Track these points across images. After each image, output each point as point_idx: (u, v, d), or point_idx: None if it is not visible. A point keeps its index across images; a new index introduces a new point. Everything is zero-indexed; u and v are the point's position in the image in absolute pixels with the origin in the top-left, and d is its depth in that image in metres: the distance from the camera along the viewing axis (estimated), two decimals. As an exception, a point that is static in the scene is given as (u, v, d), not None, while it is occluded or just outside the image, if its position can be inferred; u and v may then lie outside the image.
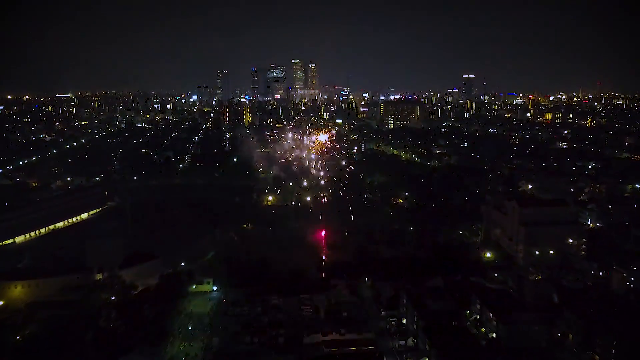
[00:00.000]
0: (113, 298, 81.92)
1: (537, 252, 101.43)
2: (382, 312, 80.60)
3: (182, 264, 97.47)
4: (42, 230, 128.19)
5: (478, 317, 75.59)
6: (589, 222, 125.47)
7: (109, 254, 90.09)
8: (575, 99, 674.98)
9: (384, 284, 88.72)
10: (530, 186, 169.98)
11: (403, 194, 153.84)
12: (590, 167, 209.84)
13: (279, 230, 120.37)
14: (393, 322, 77.77)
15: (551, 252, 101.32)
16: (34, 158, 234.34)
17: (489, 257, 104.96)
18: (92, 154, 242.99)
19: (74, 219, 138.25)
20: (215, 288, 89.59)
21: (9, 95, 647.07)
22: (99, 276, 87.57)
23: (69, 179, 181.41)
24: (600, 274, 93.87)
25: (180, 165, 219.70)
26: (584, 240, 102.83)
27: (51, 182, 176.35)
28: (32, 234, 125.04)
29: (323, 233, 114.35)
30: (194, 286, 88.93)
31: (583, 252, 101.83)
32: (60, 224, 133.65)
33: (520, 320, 69.25)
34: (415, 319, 72.64)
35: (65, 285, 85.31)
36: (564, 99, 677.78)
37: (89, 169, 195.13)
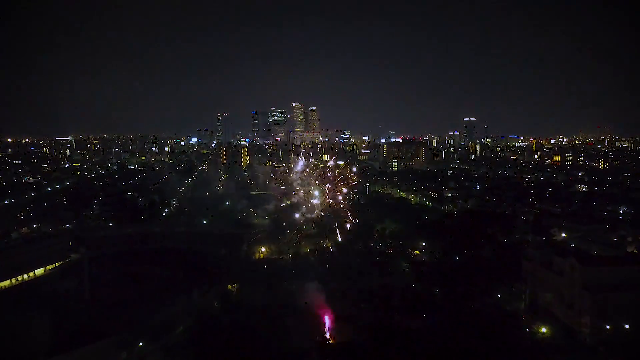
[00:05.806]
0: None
1: (608, 327, 77.75)
2: None
3: (141, 344, 73.49)
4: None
5: None
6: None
7: (38, 334, 66.62)
8: (577, 141, 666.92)
9: (412, 376, 64.78)
10: (563, 234, 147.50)
11: (420, 244, 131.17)
12: (622, 211, 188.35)
13: (272, 292, 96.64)
14: None
15: (627, 326, 77.63)
16: (6, 202, 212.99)
17: (544, 333, 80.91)
18: (72, 197, 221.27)
19: (25, 276, 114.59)
20: (181, 381, 66.01)
21: (9, 139, 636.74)
22: (17, 368, 63.80)
23: (35, 225, 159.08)
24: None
25: (166, 210, 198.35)
26: (668, 310, 79.29)
27: (13, 229, 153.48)
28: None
29: (326, 298, 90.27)
30: (151, 380, 65.15)
31: (668, 327, 78.06)
32: (6, 283, 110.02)
33: None
34: None
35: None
36: (565, 141, 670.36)
37: (61, 214, 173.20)
